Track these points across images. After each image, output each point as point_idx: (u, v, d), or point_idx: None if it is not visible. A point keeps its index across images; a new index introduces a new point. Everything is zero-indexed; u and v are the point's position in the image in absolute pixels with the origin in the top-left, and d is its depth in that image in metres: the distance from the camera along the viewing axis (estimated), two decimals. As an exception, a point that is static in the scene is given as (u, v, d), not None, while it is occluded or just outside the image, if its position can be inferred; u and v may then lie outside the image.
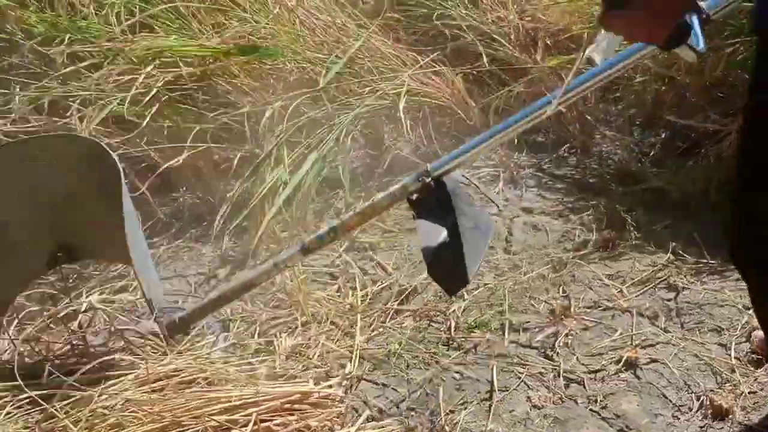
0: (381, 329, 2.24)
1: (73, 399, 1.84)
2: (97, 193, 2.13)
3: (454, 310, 2.26)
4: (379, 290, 2.38)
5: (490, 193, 2.11)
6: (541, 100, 1.89)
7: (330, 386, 2.00)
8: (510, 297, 2.29)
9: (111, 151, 2.10)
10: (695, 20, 1.34)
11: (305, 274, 2.41)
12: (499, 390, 1.98)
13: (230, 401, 1.86)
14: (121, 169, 2.05)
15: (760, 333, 2.14)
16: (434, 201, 1.96)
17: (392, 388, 2.04)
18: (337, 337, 2.21)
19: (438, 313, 2.27)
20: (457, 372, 2.06)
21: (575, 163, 2.84)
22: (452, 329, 2.20)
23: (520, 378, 2.02)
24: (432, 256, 1.89)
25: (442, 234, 1.90)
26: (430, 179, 1.96)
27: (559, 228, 2.55)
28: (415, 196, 1.98)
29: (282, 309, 2.34)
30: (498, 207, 2.12)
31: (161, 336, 2.13)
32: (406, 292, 2.35)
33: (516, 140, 2.97)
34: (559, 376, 2.00)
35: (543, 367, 2.04)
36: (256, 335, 2.25)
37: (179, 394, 1.88)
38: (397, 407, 1.99)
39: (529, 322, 2.20)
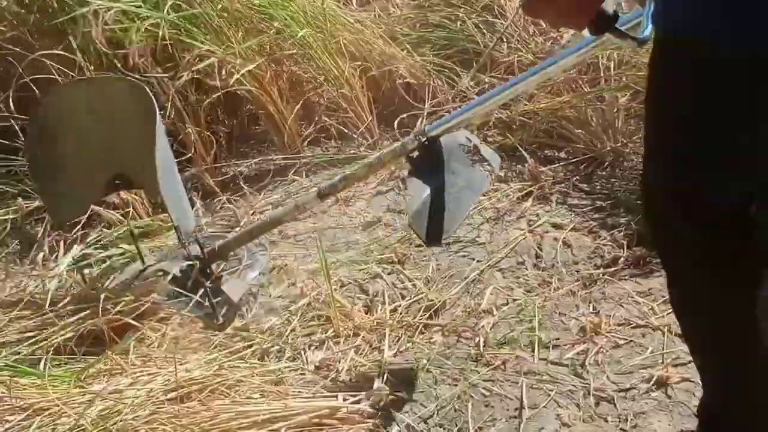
0: (409, 344, 2.23)
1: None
2: (140, 130, 2.32)
3: (483, 326, 2.25)
4: (408, 305, 2.38)
5: (487, 152, 2.19)
6: (542, 63, 2.12)
7: (359, 401, 2.00)
8: (540, 313, 2.27)
9: (149, 92, 2.33)
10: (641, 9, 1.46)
11: (335, 287, 2.42)
12: (528, 407, 1.97)
13: (259, 415, 1.86)
14: (156, 109, 2.28)
15: None
16: (427, 160, 2.15)
17: (420, 404, 2.03)
18: (366, 352, 2.21)
19: (467, 328, 2.26)
20: (485, 389, 2.05)
21: (606, 178, 2.82)
22: (481, 345, 2.19)
23: (549, 395, 2.00)
24: (414, 212, 2.08)
25: (425, 191, 2.09)
26: (425, 139, 2.13)
27: (589, 244, 2.53)
28: (414, 155, 2.17)
29: (312, 321, 2.34)
30: (493, 171, 2.22)
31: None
32: (435, 307, 2.34)
33: (546, 155, 2.98)
34: (589, 394, 1.99)
35: (573, 385, 2.02)
36: (284, 347, 2.26)
37: (207, 407, 1.89)
38: (426, 423, 1.98)
39: (559, 339, 2.18)
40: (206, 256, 2.43)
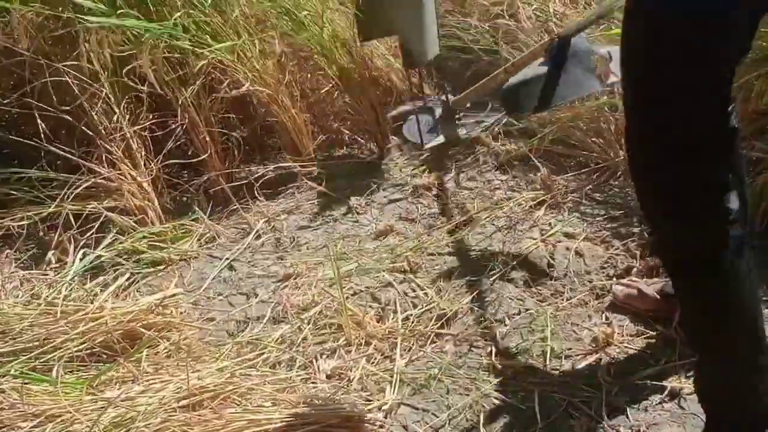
0: (421, 353, 2.23)
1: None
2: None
3: (495, 336, 2.25)
4: (420, 314, 2.37)
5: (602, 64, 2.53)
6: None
7: (370, 410, 2.00)
8: (552, 323, 2.26)
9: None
10: None
11: (347, 295, 2.43)
12: (540, 418, 1.96)
13: (270, 423, 1.87)
14: None
15: (619, 287, 2.27)
16: (551, 55, 2.52)
17: (432, 414, 2.03)
18: (377, 361, 2.21)
19: (479, 338, 2.26)
20: (497, 399, 2.04)
21: (619, 188, 2.81)
22: (493, 355, 2.18)
23: (562, 406, 1.99)
24: (509, 84, 2.64)
25: (525, 75, 2.57)
26: (556, 39, 2.53)
27: (602, 254, 2.52)
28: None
29: (323, 330, 2.34)
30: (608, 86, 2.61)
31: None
32: (447, 317, 2.34)
33: (559, 164, 2.98)
34: (601, 404, 1.98)
35: (585, 396, 2.02)
36: (296, 355, 2.26)
37: (219, 415, 1.89)
38: (437, 433, 1.99)
39: (571, 349, 2.18)
40: (449, 101, 3.23)
